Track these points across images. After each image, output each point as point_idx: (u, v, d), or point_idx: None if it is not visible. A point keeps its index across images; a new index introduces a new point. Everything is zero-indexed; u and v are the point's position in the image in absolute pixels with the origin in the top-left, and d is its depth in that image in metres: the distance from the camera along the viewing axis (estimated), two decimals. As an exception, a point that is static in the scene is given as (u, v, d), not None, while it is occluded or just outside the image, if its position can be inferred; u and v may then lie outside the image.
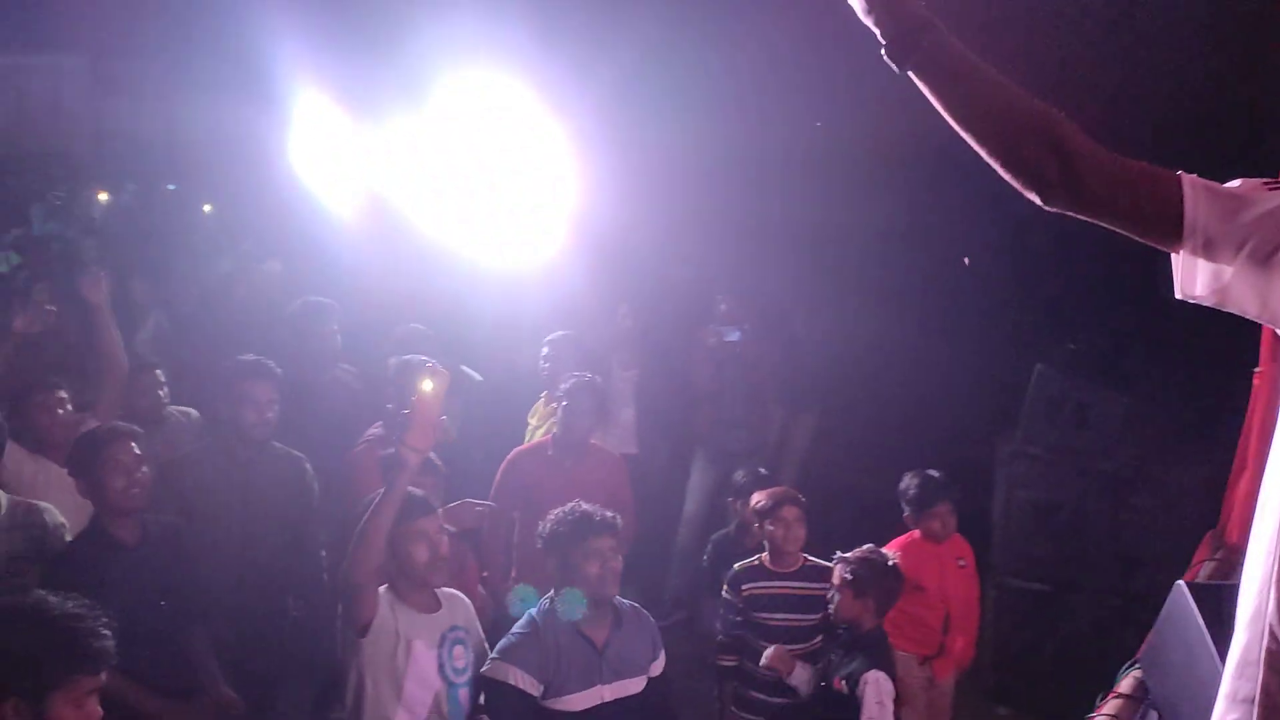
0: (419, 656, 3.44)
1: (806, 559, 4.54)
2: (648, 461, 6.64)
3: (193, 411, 5.38)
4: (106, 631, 2.57)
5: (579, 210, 6.33)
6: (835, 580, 4.10)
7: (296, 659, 4.47)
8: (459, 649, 3.56)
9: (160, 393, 5.19)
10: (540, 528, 3.73)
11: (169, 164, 12.09)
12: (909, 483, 4.84)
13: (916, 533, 4.88)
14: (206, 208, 11.36)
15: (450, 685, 3.49)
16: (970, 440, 5.99)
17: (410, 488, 3.46)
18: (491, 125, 6.46)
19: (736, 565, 4.62)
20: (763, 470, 5.15)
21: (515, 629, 3.66)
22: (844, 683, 3.90)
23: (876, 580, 4.03)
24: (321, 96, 7.56)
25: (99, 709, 2.57)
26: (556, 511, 3.71)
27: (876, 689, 3.82)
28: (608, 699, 3.63)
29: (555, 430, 5.16)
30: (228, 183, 10.37)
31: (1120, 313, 5.84)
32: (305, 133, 7.71)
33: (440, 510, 3.71)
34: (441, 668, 3.48)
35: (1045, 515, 5.74)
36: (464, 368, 5.76)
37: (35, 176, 12.80)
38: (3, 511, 3.90)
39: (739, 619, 4.50)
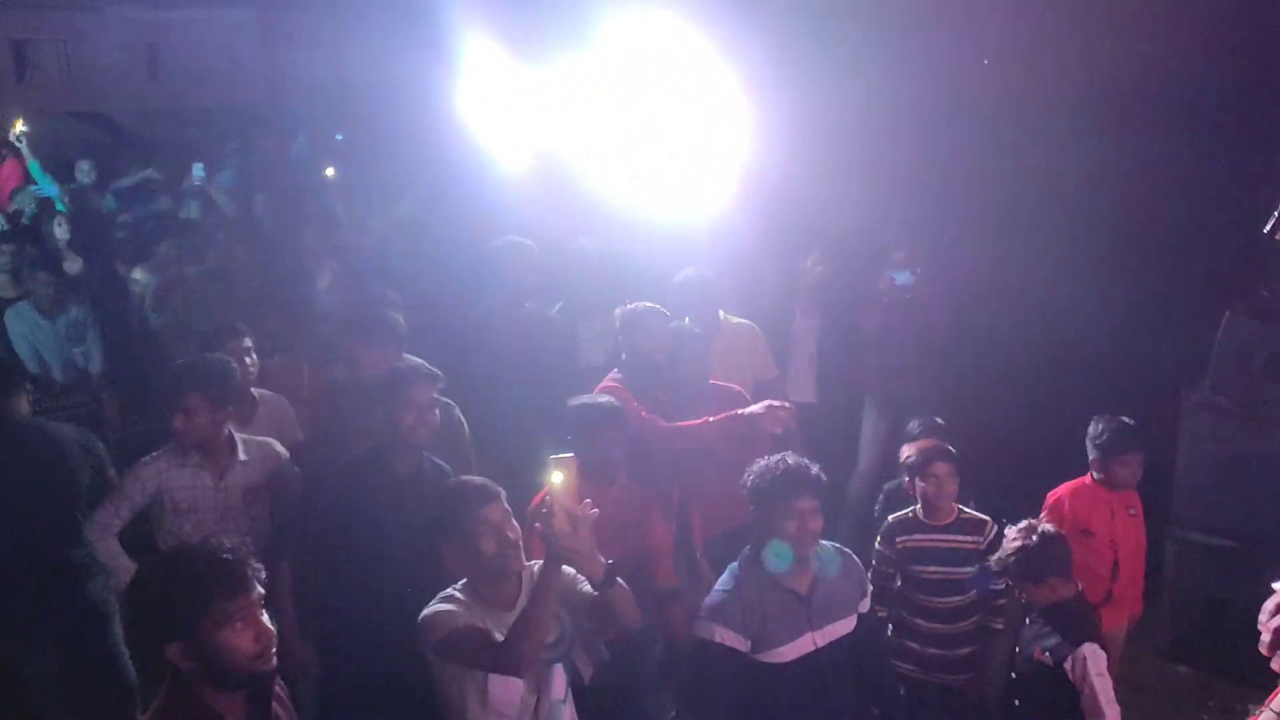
0: None
1: (961, 511, 4.53)
2: (825, 411, 6.66)
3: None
4: (231, 556, 2.58)
5: (749, 155, 6.28)
6: (1009, 579, 4.02)
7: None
8: None
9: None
10: (745, 477, 3.68)
11: (340, 113, 12.44)
12: (1101, 428, 4.73)
13: (1088, 477, 4.79)
14: (330, 171, 11.22)
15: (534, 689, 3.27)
16: (1152, 390, 5.78)
17: (472, 477, 3.41)
18: (660, 70, 6.44)
19: (890, 518, 4.64)
20: (938, 420, 5.07)
21: (718, 586, 3.65)
22: (1048, 655, 3.85)
23: (1045, 559, 3.92)
24: (488, 42, 7.65)
25: (266, 627, 2.60)
26: (763, 463, 3.66)
27: (1094, 661, 3.76)
28: (820, 644, 3.62)
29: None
30: (396, 131, 10.59)
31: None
32: (472, 79, 7.81)
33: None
34: None
35: (1232, 469, 5.53)
36: None
37: (212, 128, 13.34)
38: (239, 450, 4.38)
39: (893, 571, 4.53)
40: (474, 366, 5.53)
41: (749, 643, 3.53)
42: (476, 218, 7.44)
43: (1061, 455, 5.08)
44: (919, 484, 4.53)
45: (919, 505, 4.56)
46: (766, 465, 3.64)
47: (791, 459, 3.63)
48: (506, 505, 3.32)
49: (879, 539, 4.60)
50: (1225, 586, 5.44)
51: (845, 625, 3.70)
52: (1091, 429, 4.77)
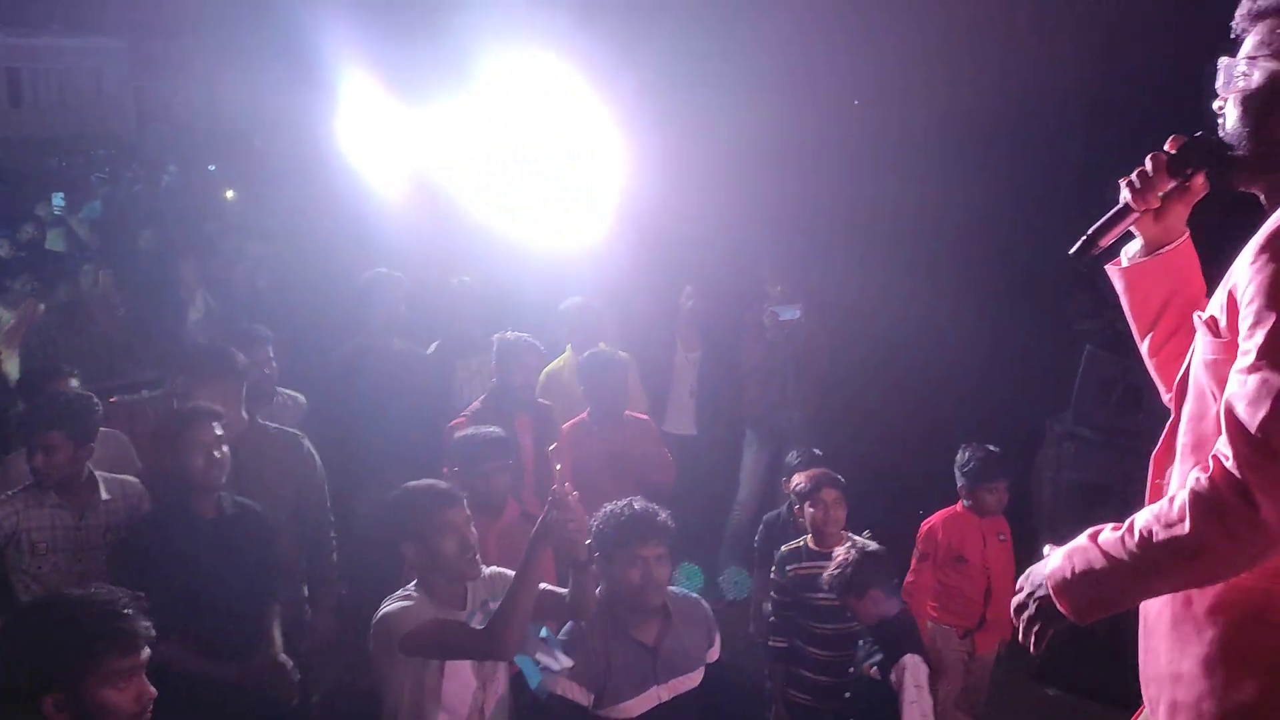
0: None
1: (850, 538, 4.56)
2: (706, 444, 6.70)
3: (299, 396, 5.44)
4: (129, 611, 2.50)
5: (624, 191, 6.34)
6: (837, 596, 4.10)
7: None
8: None
9: (268, 370, 5.10)
10: (591, 521, 3.46)
11: (210, 145, 12.18)
12: (968, 456, 4.85)
13: (959, 505, 4.91)
14: (229, 194, 11.16)
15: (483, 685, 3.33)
16: (1018, 420, 5.97)
17: (435, 480, 3.45)
18: (536, 107, 6.50)
19: (783, 548, 4.67)
20: (817, 451, 5.14)
21: (561, 634, 3.48)
22: (876, 670, 3.91)
23: (865, 572, 4.00)
24: (366, 78, 7.61)
25: (148, 687, 2.50)
26: (610, 507, 3.51)
27: (914, 673, 3.80)
28: (665, 699, 3.48)
29: (590, 405, 5.18)
30: (270, 164, 10.42)
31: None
32: (351, 114, 7.75)
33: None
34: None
35: (1093, 497, 5.70)
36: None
37: (78, 157, 12.91)
38: (101, 489, 4.20)
39: (788, 600, 4.55)
40: (344, 403, 5.42)
41: (592, 696, 3.39)
42: (354, 251, 7.34)
43: (936, 484, 5.20)
44: (808, 510, 4.57)
45: (810, 534, 4.60)
46: (611, 510, 3.48)
47: (638, 504, 3.49)
48: (468, 511, 3.36)
49: (773, 569, 4.61)
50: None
51: (692, 679, 3.56)
52: (959, 457, 4.89)
